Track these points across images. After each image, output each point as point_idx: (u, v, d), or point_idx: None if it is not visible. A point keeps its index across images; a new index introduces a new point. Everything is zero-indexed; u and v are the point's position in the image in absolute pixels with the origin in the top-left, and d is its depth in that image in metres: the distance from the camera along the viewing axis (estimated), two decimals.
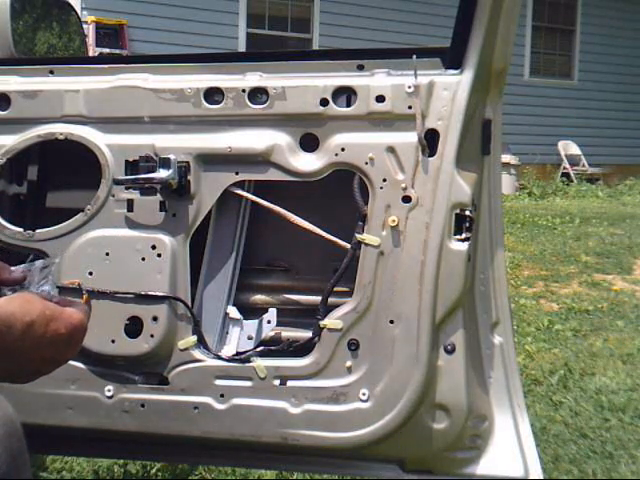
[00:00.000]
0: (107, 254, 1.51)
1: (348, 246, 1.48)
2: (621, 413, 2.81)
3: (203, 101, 1.50)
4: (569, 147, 12.79)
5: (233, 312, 1.55)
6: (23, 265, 0.99)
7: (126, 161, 1.52)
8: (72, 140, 1.55)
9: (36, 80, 1.59)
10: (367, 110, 1.44)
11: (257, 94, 1.49)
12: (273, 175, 1.49)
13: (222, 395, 1.50)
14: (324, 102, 1.46)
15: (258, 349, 1.52)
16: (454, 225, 1.42)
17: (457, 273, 1.41)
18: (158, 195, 1.49)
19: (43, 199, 1.75)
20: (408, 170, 1.42)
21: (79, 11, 7.42)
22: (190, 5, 10.09)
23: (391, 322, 1.44)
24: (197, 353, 1.51)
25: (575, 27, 13.51)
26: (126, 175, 1.51)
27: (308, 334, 1.50)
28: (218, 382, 1.50)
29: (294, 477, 2.22)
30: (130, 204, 1.52)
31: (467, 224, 1.42)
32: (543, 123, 12.56)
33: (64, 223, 1.54)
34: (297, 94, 1.47)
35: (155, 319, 1.50)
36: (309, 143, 1.48)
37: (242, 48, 10.59)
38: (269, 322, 1.53)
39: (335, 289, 1.50)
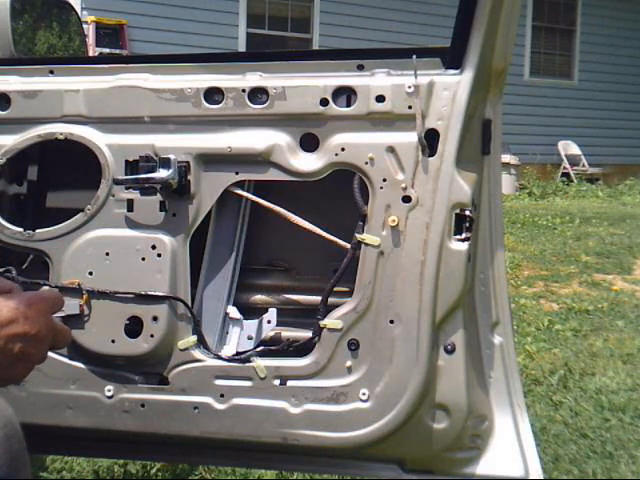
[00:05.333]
0: (107, 254, 1.51)
1: (348, 246, 1.48)
2: (621, 413, 2.81)
3: (203, 101, 1.50)
4: (569, 147, 12.80)
5: (233, 312, 1.55)
6: None
7: (126, 161, 1.52)
8: (72, 140, 1.55)
9: (36, 80, 1.59)
10: (367, 110, 1.44)
11: (257, 94, 1.49)
12: (273, 175, 1.49)
13: (222, 395, 1.50)
14: (324, 102, 1.46)
15: (258, 349, 1.51)
16: (454, 225, 1.41)
17: (457, 273, 1.41)
18: (158, 195, 1.49)
19: (43, 199, 1.75)
20: (408, 170, 1.42)
21: (79, 11, 7.41)
22: (190, 5, 10.10)
23: (391, 322, 1.43)
24: (197, 353, 1.51)
25: (575, 27, 13.51)
26: (126, 175, 1.51)
27: (308, 334, 1.50)
28: (218, 382, 1.50)
29: (294, 477, 2.22)
30: (130, 204, 1.52)
31: (467, 224, 1.42)
32: (543, 123, 12.56)
33: (64, 223, 1.54)
34: (297, 94, 1.47)
35: (155, 319, 1.49)
36: (309, 143, 1.48)
37: (242, 48, 10.59)
38: (269, 322, 1.52)
39: (335, 289, 1.50)
